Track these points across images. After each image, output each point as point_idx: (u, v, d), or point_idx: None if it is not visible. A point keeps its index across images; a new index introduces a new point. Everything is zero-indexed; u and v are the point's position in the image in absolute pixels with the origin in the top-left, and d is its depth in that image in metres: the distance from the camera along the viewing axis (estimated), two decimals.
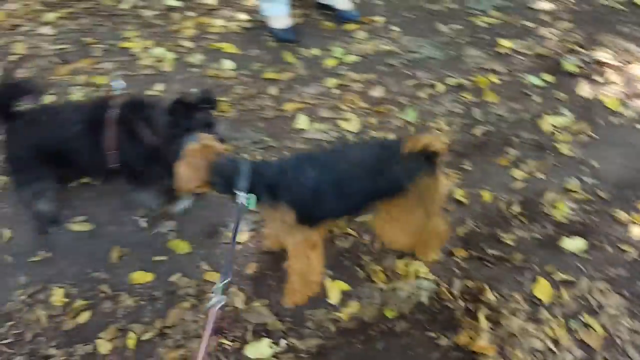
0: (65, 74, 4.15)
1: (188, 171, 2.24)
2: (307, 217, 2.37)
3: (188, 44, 4.31)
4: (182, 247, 2.95)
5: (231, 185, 2.26)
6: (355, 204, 2.42)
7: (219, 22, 4.53)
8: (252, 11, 4.63)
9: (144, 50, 4.32)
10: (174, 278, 2.81)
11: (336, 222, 2.64)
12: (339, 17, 4.45)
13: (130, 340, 2.56)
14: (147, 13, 4.70)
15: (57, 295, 2.77)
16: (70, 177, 3.05)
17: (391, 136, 3.49)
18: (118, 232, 3.06)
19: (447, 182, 2.43)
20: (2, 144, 2.84)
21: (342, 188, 2.30)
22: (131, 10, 4.75)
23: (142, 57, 4.26)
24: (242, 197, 2.23)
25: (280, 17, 4.29)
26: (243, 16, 4.57)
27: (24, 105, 2.74)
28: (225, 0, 4.80)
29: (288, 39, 4.29)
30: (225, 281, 2.01)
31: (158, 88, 3.94)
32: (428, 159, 2.24)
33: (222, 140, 2.66)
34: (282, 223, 2.37)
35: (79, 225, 3.10)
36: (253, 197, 2.25)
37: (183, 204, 3.17)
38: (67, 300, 2.75)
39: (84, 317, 2.68)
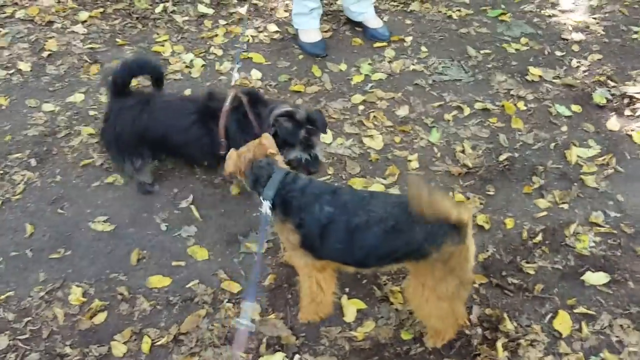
0: (95, 74, 4.21)
1: (235, 158, 2.34)
2: (311, 248, 2.30)
3: (217, 51, 4.35)
4: (201, 253, 2.96)
5: (259, 187, 2.31)
6: (364, 259, 2.26)
7: (249, 32, 4.56)
8: (282, 23, 4.66)
9: (174, 55, 4.37)
10: (191, 284, 2.81)
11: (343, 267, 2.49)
12: (369, 35, 4.47)
13: (145, 345, 2.57)
14: (180, 19, 4.76)
15: (75, 294, 2.79)
16: (168, 158, 3.22)
17: (414, 156, 3.49)
18: (139, 234, 3.08)
19: (474, 250, 2.25)
20: (105, 120, 3.07)
21: (353, 238, 2.18)
22: (164, 15, 4.81)
23: (172, 61, 4.30)
24: (266, 206, 2.24)
25: (310, 30, 4.32)
26: (273, 27, 4.60)
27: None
28: (257, 10, 4.84)
29: (316, 53, 4.31)
30: (252, 304, 1.99)
31: (186, 93, 3.96)
32: (454, 225, 2.07)
33: (313, 162, 2.79)
34: (287, 241, 2.36)
35: (100, 225, 3.12)
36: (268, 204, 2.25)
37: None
38: (84, 299, 2.77)
39: (101, 317, 2.70)
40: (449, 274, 2.17)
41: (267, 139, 2.39)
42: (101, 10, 4.91)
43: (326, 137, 3.53)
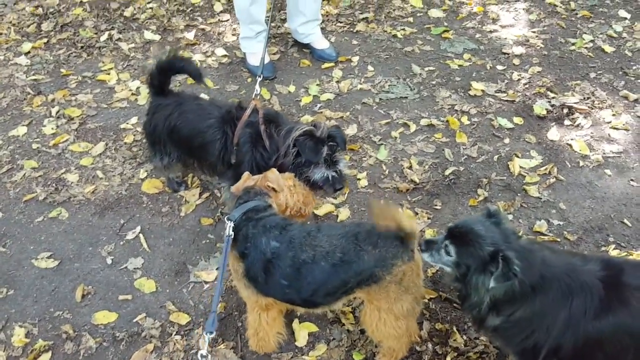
0: (39, 105, 4.13)
1: (243, 181, 2.40)
2: (255, 282, 2.26)
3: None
4: (148, 286, 2.91)
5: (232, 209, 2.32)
6: (312, 296, 2.20)
7: (198, 57, 4.55)
8: (230, 47, 4.67)
9: (120, 83, 4.32)
10: (138, 318, 2.75)
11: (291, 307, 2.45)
12: (317, 56, 4.52)
13: None
14: (126, 46, 4.72)
15: (18, 335, 2.70)
16: (192, 162, 3.20)
17: (364, 174, 3.52)
18: (83, 269, 3.00)
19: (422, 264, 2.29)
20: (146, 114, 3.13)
21: (300, 274, 2.16)
22: (109, 43, 4.77)
23: (118, 89, 4.26)
24: (229, 227, 2.21)
25: (256, 53, 4.34)
26: (221, 51, 4.61)
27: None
28: (205, 35, 4.84)
29: (265, 75, 4.32)
30: (214, 319, 1.95)
31: (132, 121, 3.92)
32: (403, 242, 2.12)
33: (339, 178, 2.77)
34: (232, 268, 2.34)
35: (44, 262, 3.04)
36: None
37: None
38: (27, 340, 2.69)
39: (45, 358, 2.62)
40: (404, 293, 2.19)
41: (272, 174, 2.39)
42: (45, 40, 4.83)
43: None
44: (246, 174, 2.42)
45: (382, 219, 2.05)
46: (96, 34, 4.89)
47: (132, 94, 4.19)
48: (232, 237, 2.21)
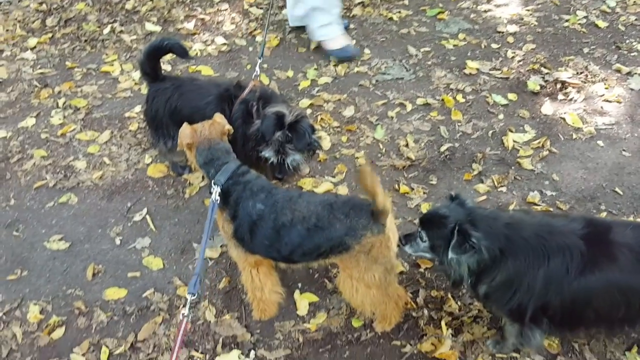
0: (46, 97, 4.26)
1: (190, 132, 2.40)
2: (242, 241, 2.39)
3: (166, 67, 4.44)
4: (156, 263, 3.03)
5: (210, 169, 2.38)
6: (290, 255, 2.34)
7: (198, 46, 4.66)
8: (229, 35, 4.78)
9: (124, 74, 4.44)
10: (147, 293, 2.88)
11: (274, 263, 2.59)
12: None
13: (103, 355, 2.64)
14: (128, 38, 4.84)
15: (33, 312, 2.84)
16: None
17: (361, 153, 3.62)
18: (93, 249, 3.14)
19: (396, 239, 2.39)
20: (145, 102, 3.24)
21: (279, 235, 2.28)
22: (112, 35, 4.89)
23: (122, 80, 4.38)
24: (216, 191, 2.30)
25: (336, 37, 4.42)
26: (220, 40, 4.71)
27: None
28: (204, 25, 4.95)
29: (349, 56, 4.42)
30: (196, 281, 2.03)
31: (136, 110, 4.05)
32: (375, 217, 2.21)
33: (280, 168, 2.85)
34: (222, 229, 2.45)
35: (55, 244, 3.17)
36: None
37: None
38: (42, 317, 2.83)
39: (59, 333, 2.75)
40: (373, 264, 2.30)
41: (220, 118, 2.48)
42: (50, 35, 4.96)
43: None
44: (185, 125, 2.44)
45: (363, 184, 2.12)
46: (99, 27, 5.01)
47: (136, 84, 4.31)
48: (218, 201, 2.29)
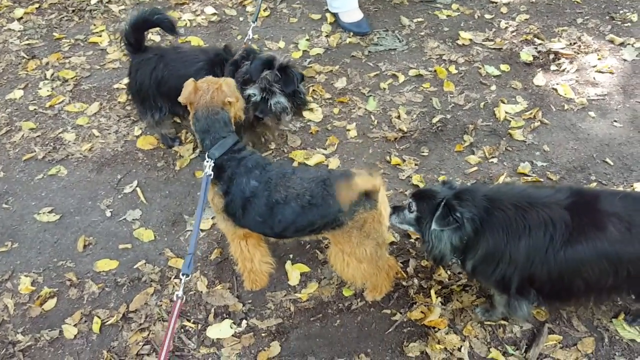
0: (34, 69, 4.20)
1: (191, 90, 2.33)
2: (233, 216, 2.37)
3: (155, 37, 4.37)
4: (147, 235, 3.03)
5: (205, 139, 2.32)
6: (282, 232, 2.33)
7: (187, 16, 4.59)
8: (219, 5, 4.70)
9: (112, 45, 4.37)
10: (138, 265, 2.89)
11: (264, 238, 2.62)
12: None
13: (95, 325, 2.65)
14: (116, 8, 4.75)
15: (24, 284, 2.84)
16: (184, 112, 3.20)
17: (353, 125, 3.60)
18: (84, 222, 3.13)
19: (388, 213, 2.38)
20: (128, 75, 3.23)
21: (273, 212, 2.27)
22: (100, 6, 4.79)
23: (110, 51, 4.31)
24: (208, 165, 2.26)
25: (350, 11, 4.36)
26: (210, 10, 4.63)
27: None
28: None
29: (361, 32, 4.34)
30: (190, 262, 1.99)
31: (125, 81, 3.98)
32: (367, 194, 2.21)
33: (264, 106, 2.86)
34: (212, 202, 2.43)
35: (45, 216, 3.16)
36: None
37: None
38: (33, 288, 2.83)
39: (50, 304, 2.76)
40: (366, 239, 2.30)
41: (227, 86, 2.36)
42: (37, 5, 4.86)
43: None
44: (190, 81, 2.36)
45: (346, 197, 2.15)
46: None
47: (124, 55, 4.23)
48: (212, 176, 2.26)
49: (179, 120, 3.51)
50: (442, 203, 2.21)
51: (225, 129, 2.33)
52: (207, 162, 2.26)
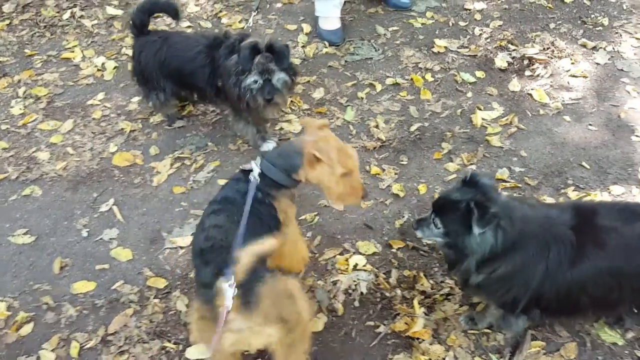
0: (5, 87, 4.12)
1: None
2: None
3: (130, 51, 4.31)
4: (124, 254, 2.98)
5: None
6: None
7: (161, 28, 4.54)
8: (194, 18, 4.66)
9: (85, 60, 4.31)
10: (116, 285, 2.83)
11: None
12: (392, 5, 4.63)
13: (74, 349, 2.59)
14: (89, 23, 4.69)
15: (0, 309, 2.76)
16: (186, 94, 3.55)
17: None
18: (60, 242, 3.06)
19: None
20: (132, 57, 3.38)
21: None
22: (72, 21, 4.73)
23: (83, 66, 4.25)
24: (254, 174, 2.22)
25: (330, 18, 4.33)
26: (185, 23, 4.60)
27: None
28: None
29: (333, 41, 4.33)
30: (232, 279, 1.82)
31: (99, 97, 3.94)
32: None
33: (269, 88, 2.97)
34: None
35: (20, 238, 3.09)
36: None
37: (269, 145, 3.45)
38: (9, 313, 2.76)
39: (27, 329, 2.69)
40: None
41: (326, 143, 2.25)
42: (7, 22, 4.78)
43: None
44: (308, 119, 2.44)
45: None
46: (58, 12, 4.84)
47: (98, 70, 4.19)
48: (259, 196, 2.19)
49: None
50: (472, 205, 2.03)
51: (290, 146, 2.42)
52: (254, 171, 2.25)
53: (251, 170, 2.23)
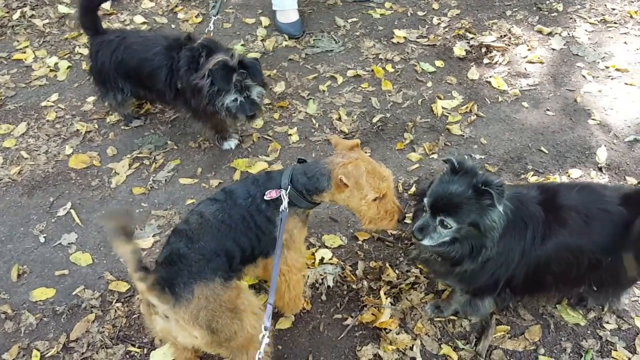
0: None
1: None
2: None
3: (83, 50, 4.20)
4: (84, 259, 2.90)
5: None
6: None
7: (116, 26, 4.42)
8: (149, 14, 4.56)
9: (37, 61, 4.17)
10: (77, 291, 2.76)
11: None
12: None
13: (35, 358, 2.50)
14: (40, 22, 4.53)
15: None
16: (144, 94, 3.40)
17: (294, 129, 3.57)
18: (17, 249, 2.96)
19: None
20: (89, 57, 3.28)
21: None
22: (23, 21, 4.57)
23: (36, 67, 4.11)
24: (283, 198, 2.09)
25: (288, 11, 4.29)
26: (140, 19, 4.50)
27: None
28: (121, 4, 4.69)
29: (292, 34, 4.30)
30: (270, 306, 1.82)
31: (53, 98, 3.82)
32: None
33: (250, 104, 2.98)
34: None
35: None
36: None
37: (231, 144, 3.44)
38: None
39: None
40: None
41: (356, 167, 2.08)
42: None
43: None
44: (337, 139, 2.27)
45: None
46: (8, 12, 4.67)
47: (51, 71, 4.06)
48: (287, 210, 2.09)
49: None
50: (486, 187, 1.93)
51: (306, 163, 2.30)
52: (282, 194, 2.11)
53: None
